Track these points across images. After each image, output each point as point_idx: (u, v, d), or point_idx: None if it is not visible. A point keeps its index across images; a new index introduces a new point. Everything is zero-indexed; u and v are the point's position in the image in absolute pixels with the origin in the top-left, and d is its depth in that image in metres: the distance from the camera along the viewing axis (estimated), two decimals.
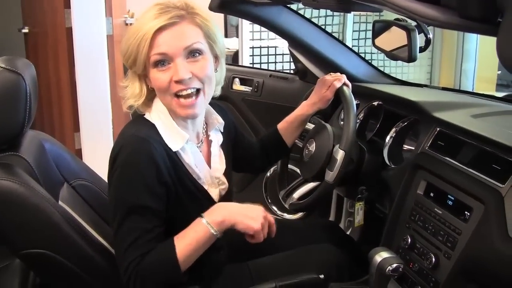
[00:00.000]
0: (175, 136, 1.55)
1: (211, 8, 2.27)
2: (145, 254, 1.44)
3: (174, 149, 1.53)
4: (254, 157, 2.00)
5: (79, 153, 4.09)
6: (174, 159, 1.54)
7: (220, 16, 5.30)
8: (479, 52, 5.51)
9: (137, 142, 1.47)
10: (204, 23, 1.53)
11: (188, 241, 1.47)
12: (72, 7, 3.86)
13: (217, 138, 1.74)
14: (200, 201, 1.61)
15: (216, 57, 1.62)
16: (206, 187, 1.65)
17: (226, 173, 1.75)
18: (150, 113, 1.59)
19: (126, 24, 4.33)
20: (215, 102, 1.72)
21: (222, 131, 1.77)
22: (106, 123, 4.12)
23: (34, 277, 1.67)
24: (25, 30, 4.44)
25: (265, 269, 1.77)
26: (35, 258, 1.46)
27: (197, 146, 1.65)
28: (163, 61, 1.49)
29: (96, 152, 4.05)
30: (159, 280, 1.46)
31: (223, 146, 1.76)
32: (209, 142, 1.72)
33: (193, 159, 1.60)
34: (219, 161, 1.73)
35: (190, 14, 1.50)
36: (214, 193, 1.68)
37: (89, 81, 3.98)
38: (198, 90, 1.52)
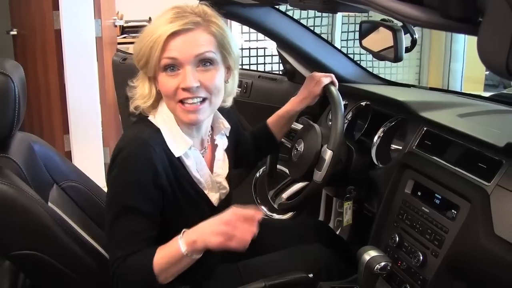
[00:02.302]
0: (179, 142, 1.54)
1: None
2: (129, 255, 1.44)
3: (177, 155, 1.53)
4: (248, 152, 2.01)
5: (68, 155, 4.08)
6: (175, 163, 1.54)
7: None
8: (467, 52, 5.53)
9: (137, 144, 1.47)
10: (219, 32, 1.51)
11: (163, 254, 1.44)
12: (61, 9, 3.86)
13: (222, 143, 1.73)
14: (198, 206, 1.62)
15: (228, 68, 1.60)
16: (206, 191, 1.65)
17: (227, 177, 1.74)
18: (155, 116, 1.58)
19: (115, 26, 4.33)
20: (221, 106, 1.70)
21: (228, 135, 1.76)
22: (96, 125, 4.11)
23: (24, 278, 1.66)
24: (14, 32, 4.43)
25: (255, 269, 1.78)
26: (25, 260, 1.46)
27: (201, 152, 1.64)
28: (172, 66, 1.47)
29: (86, 154, 4.05)
30: (135, 283, 1.47)
31: (227, 150, 1.76)
32: (213, 147, 1.72)
33: (194, 165, 1.59)
34: (222, 166, 1.72)
35: (206, 22, 1.49)
36: (214, 197, 1.68)
37: (78, 83, 3.98)
38: (204, 99, 1.51)
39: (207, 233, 1.40)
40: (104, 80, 4.04)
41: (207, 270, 1.71)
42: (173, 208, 1.54)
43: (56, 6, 3.89)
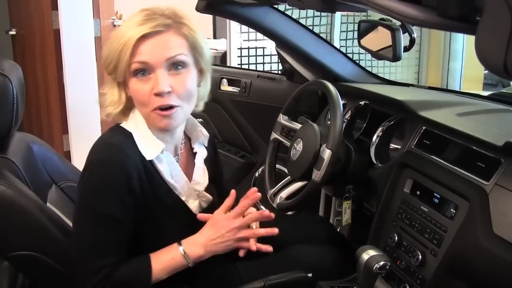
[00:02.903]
0: (150, 145, 1.51)
1: (198, 9, 2.27)
2: (118, 264, 1.45)
3: (148, 158, 1.50)
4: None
5: (67, 155, 4.08)
6: (149, 168, 1.51)
7: (209, 17, 5.30)
8: (466, 51, 5.54)
9: (109, 150, 1.46)
10: (191, 34, 1.48)
11: (163, 265, 1.50)
12: (60, 9, 3.85)
13: (201, 151, 1.71)
14: (175, 213, 1.59)
15: (200, 71, 1.57)
16: (183, 198, 1.61)
17: (208, 188, 1.72)
18: (127, 122, 1.55)
19: (114, 26, 4.32)
20: (199, 120, 1.69)
21: (206, 145, 1.74)
22: (95, 125, 4.11)
23: (22, 279, 1.67)
24: (12, 32, 4.42)
25: (255, 269, 1.77)
26: (23, 260, 1.46)
27: (174, 158, 1.62)
28: (143, 71, 1.43)
29: (85, 154, 4.02)
30: None
31: (206, 161, 1.73)
32: (191, 155, 1.70)
33: (168, 170, 1.56)
34: (202, 175, 1.70)
35: (177, 24, 1.45)
36: (193, 204, 1.65)
37: (77, 83, 3.97)
38: (176, 107, 1.47)
39: (213, 245, 1.54)
40: (103, 80, 4.03)
41: (207, 270, 1.71)
42: (145, 214, 1.51)
43: (55, 6, 3.88)
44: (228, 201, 1.62)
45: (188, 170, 1.67)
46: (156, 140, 1.52)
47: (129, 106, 1.55)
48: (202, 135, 1.70)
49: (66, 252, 1.50)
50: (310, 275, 1.65)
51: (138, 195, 1.47)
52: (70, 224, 1.61)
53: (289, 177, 2.11)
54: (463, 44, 5.53)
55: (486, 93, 3.25)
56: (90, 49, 3.98)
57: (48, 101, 4.15)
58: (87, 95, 4.01)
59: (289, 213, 2.75)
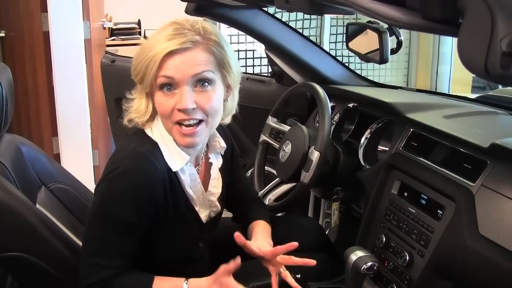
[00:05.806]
0: (175, 157, 1.51)
1: (187, 12, 2.27)
2: (121, 269, 1.46)
3: (174, 169, 1.50)
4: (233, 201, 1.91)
5: (57, 157, 4.06)
6: (172, 179, 1.52)
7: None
8: (454, 54, 5.55)
9: (137, 158, 1.45)
10: (219, 50, 1.45)
11: None
12: (49, 11, 3.84)
13: (217, 162, 1.70)
14: (187, 221, 1.60)
15: (228, 87, 1.55)
16: (197, 208, 1.63)
17: (220, 197, 1.73)
18: (151, 129, 1.54)
19: (104, 28, 4.32)
20: (219, 125, 1.65)
21: (222, 154, 1.73)
22: (84, 128, 4.10)
23: (12, 280, 1.66)
24: (1, 34, 4.40)
25: (244, 273, 1.76)
26: (13, 261, 1.46)
27: (195, 169, 1.62)
28: (169, 85, 1.42)
29: (74, 156, 4.04)
30: None
31: (221, 169, 1.73)
32: (208, 165, 1.70)
33: (188, 181, 1.57)
34: (216, 185, 1.70)
35: (205, 40, 1.43)
36: (203, 214, 1.66)
37: (67, 85, 3.96)
38: (200, 121, 1.46)
39: None
40: (92, 82, 4.03)
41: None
42: (163, 221, 1.53)
43: (44, 8, 3.87)
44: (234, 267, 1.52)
45: (205, 180, 1.68)
46: (181, 152, 1.52)
47: (153, 114, 1.54)
48: (220, 146, 1.69)
49: (55, 253, 1.50)
50: (298, 276, 1.65)
51: (159, 204, 1.48)
52: (60, 225, 1.61)
53: (278, 179, 2.12)
54: (452, 47, 5.55)
55: (474, 96, 3.27)
56: (79, 51, 3.97)
57: (37, 103, 4.14)
58: (77, 98, 4.00)
59: (279, 214, 2.76)
